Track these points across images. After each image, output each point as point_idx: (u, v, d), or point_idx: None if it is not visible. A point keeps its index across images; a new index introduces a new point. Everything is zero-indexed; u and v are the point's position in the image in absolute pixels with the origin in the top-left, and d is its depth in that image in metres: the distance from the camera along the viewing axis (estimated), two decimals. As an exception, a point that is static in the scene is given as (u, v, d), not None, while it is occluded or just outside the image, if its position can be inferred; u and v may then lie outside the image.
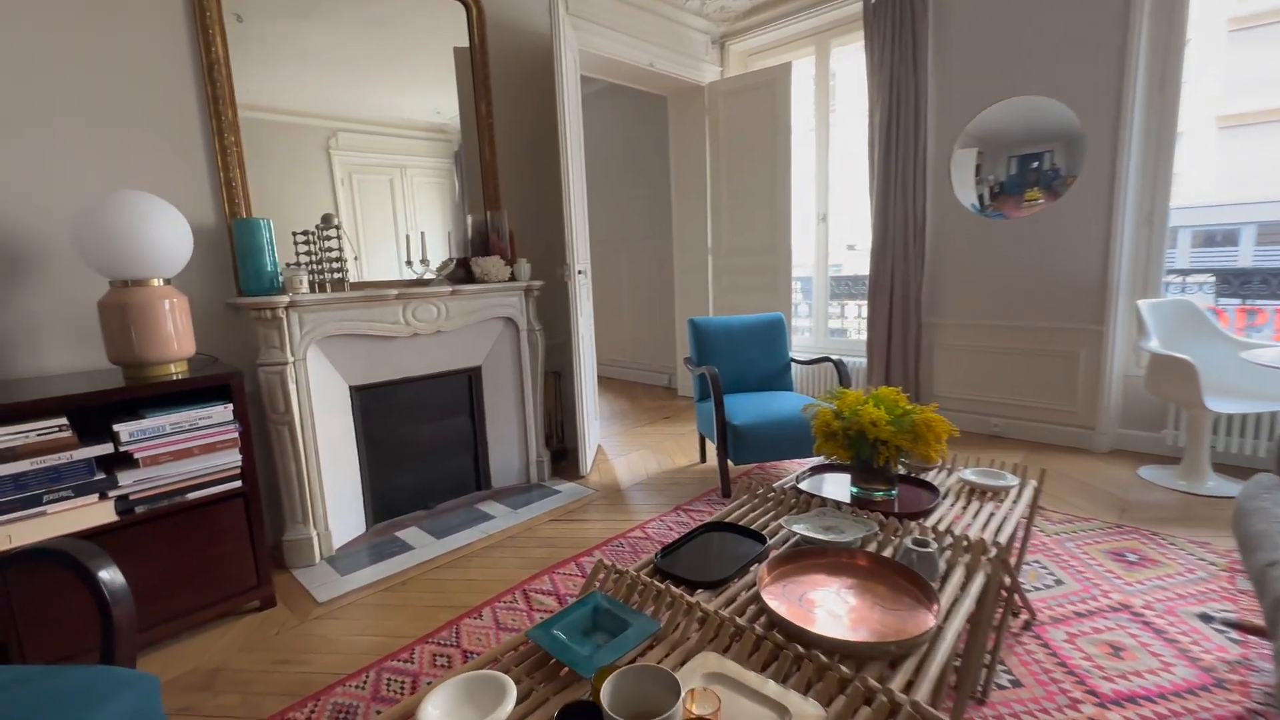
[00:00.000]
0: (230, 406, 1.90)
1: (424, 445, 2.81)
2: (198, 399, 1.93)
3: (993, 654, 1.55)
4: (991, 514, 1.61)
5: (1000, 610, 1.60)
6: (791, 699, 0.90)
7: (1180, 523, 2.37)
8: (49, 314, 1.99)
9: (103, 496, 1.69)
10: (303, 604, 2.05)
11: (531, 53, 3.26)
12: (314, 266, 2.40)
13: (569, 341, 3.34)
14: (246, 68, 2.31)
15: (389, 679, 1.65)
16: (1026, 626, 1.76)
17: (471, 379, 2.94)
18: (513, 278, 2.95)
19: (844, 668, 0.97)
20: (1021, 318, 3.41)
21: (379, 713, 1.48)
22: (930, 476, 1.88)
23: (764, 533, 1.52)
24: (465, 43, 2.97)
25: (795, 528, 1.45)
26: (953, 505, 1.67)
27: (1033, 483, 1.79)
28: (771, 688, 0.93)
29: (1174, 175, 2.99)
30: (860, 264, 4.45)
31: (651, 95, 4.88)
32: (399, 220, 2.80)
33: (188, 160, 2.21)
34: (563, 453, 3.45)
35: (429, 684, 1.60)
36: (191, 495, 1.84)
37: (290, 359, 2.22)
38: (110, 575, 1.19)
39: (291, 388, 2.22)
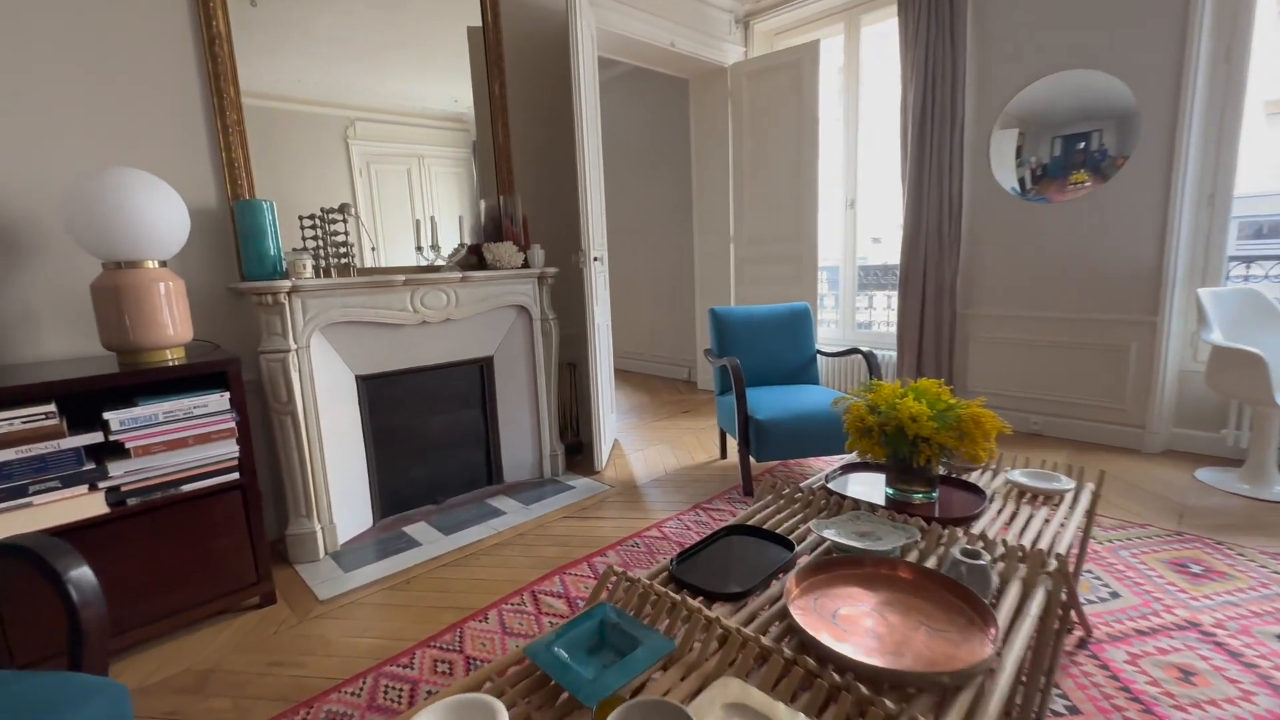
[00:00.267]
0: (227, 395, 1.81)
1: (434, 438, 2.71)
2: (194, 387, 1.85)
3: (1047, 676, 1.39)
4: (1046, 521, 1.45)
5: (1055, 626, 1.45)
6: (828, 741, 0.77)
7: (1247, 531, 2.17)
8: (47, 297, 1.92)
9: (92, 488, 1.62)
10: (303, 601, 1.97)
11: (547, 31, 3.14)
12: (320, 252, 2.31)
13: (584, 331, 3.22)
14: (260, 54, 2.25)
15: (386, 686, 1.55)
16: (1081, 644, 1.59)
17: (483, 369, 2.84)
18: (526, 264, 2.84)
19: (889, 702, 0.83)
20: (1065, 308, 3.19)
21: (373, 724, 1.38)
22: (973, 477, 1.72)
23: (791, 538, 1.38)
24: (479, 22, 2.85)
25: (826, 533, 1.31)
26: (1000, 510, 1.51)
27: (1090, 486, 1.62)
28: (803, 725, 0.80)
29: (1239, 154, 2.75)
30: (888, 253, 4.25)
31: (672, 79, 4.73)
32: (416, 210, 2.73)
33: (188, 139, 2.13)
34: (578, 447, 3.33)
35: (427, 694, 1.51)
36: (186, 487, 1.76)
37: (293, 346, 2.14)
38: (79, 575, 1.10)
39: (294, 376, 2.14)
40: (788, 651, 0.94)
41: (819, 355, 3.18)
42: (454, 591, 1.99)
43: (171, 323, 1.80)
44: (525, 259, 2.84)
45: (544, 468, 3.00)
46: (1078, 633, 1.64)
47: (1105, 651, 1.55)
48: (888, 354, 3.86)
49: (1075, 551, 1.82)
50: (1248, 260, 3.12)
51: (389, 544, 2.35)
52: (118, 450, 1.66)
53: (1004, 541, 1.26)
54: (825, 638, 0.98)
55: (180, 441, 1.74)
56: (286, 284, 2.08)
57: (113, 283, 1.71)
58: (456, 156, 2.85)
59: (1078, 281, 3.14)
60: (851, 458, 1.85)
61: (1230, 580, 1.85)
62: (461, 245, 2.76)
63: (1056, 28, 3.06)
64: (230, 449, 1.83)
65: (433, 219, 2.72)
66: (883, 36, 3.86)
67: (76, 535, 1.61)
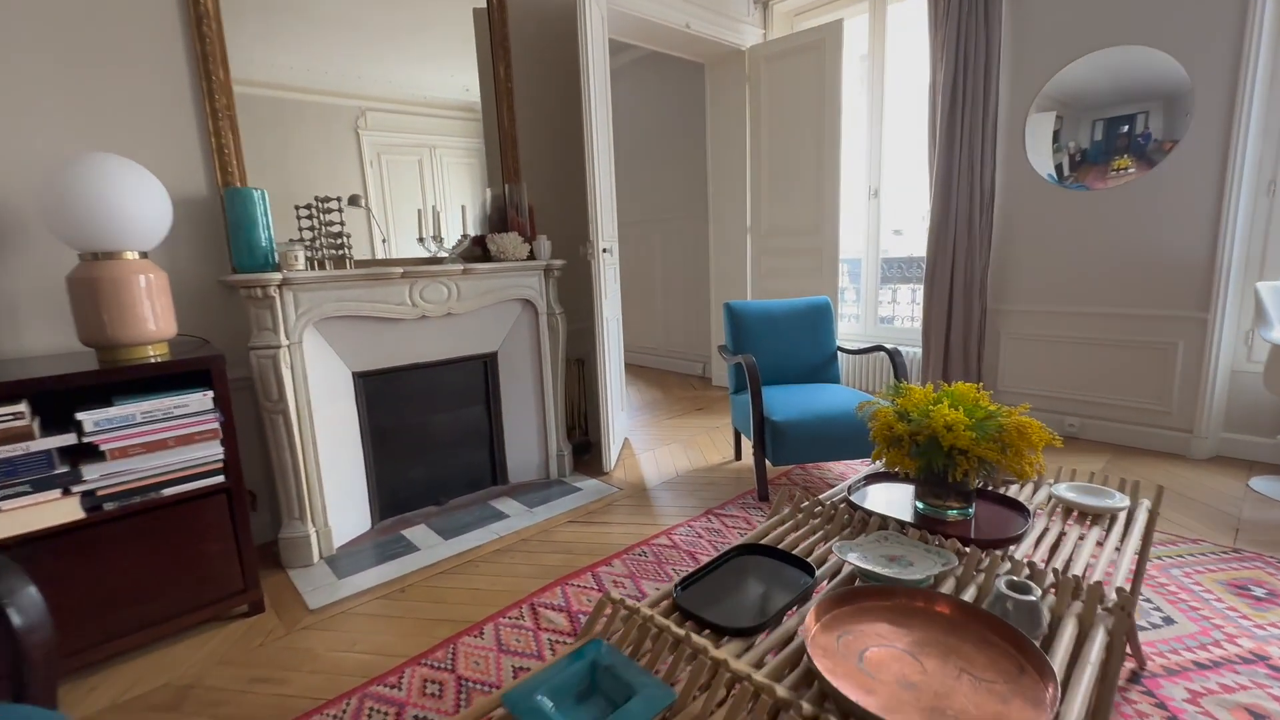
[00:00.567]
0: (210, 394, 1.71)
1: (435, 437, 2.61)
2: (178, 385, 1.75)
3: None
4: (1098, 544, 1.29)
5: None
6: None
7: (1313, 549, 1.98)
8: (28, 290, 1.84)
9: (66, 492, 1.53)
10: (293, 610, 1.87)
11: (555, 12, 3.00)
12: (315, 243, 2.21)
13: (592, 326, 3.09)
14: (262, 40, 2.17)
15: (371, 709, 1.44)
16: (1134, 678, 1.43)
17: (487, 366, 2.72)
18: (531, 256, 2.71)
19: (929, 780, 0.69)
20: (1106, 303, 2.99)
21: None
22: (1012, 490, 1.56)
23: (810, 560, 1.24)
24: (484, 3, 2.72)
25: (850, 557, 1.16)
26: (1044, 530, 1.36)
27: (1145, 503, 1.46)
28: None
29: (1303, 135, 2.53)
30: (913, 245, 4.06)
31: (688, 64, 4.56)
32: (428, 201, 2.64)
33: (176, 124, 2.03)
34: (586, 446, 3.22)
35: (413, 719, 1.40)
36: (168, 491, 1.67)
37: (284, 342, 2.04)
38: (23, 596, 1.00)
39: (286, 373, 2.04)
40: (807, 707, 0.81)
41: (840, 352, 3.01)
42: (450, 602, 1.88)
43: (153, 317, 1.71)
44: (531, 250, 2.72)
45: (550, 468, 2.88)
46: (1129, 664, 1.48)
47: (1162, 688, 1.39)
48: (912, 350, 3.68)
49: (1129, 578, 1.66)
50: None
51: (386, 548, 2.26)
52: (94, 453, 1.57)
53: (1055, 571, 1.11)
54: (851, 688, 0.84)
55: (160, 443, 1.64)
56: (277, 276, 1.98)
57: (89, 275, 1.62)
58: (469, 147, 2.76)
59: (1119, 275, 2.94)
60: (877, 467, 1.71)
61: (1299, 606, 1.67)
62: (464, 236, 2.64)
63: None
64: (214, 451, 1.74)
65: (434, 209, 2.61)
66: (910, 14, 3.66)
67: (51, 542, 1.53)
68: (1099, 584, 1.04)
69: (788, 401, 2.54)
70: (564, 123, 3.09)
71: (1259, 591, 1.74)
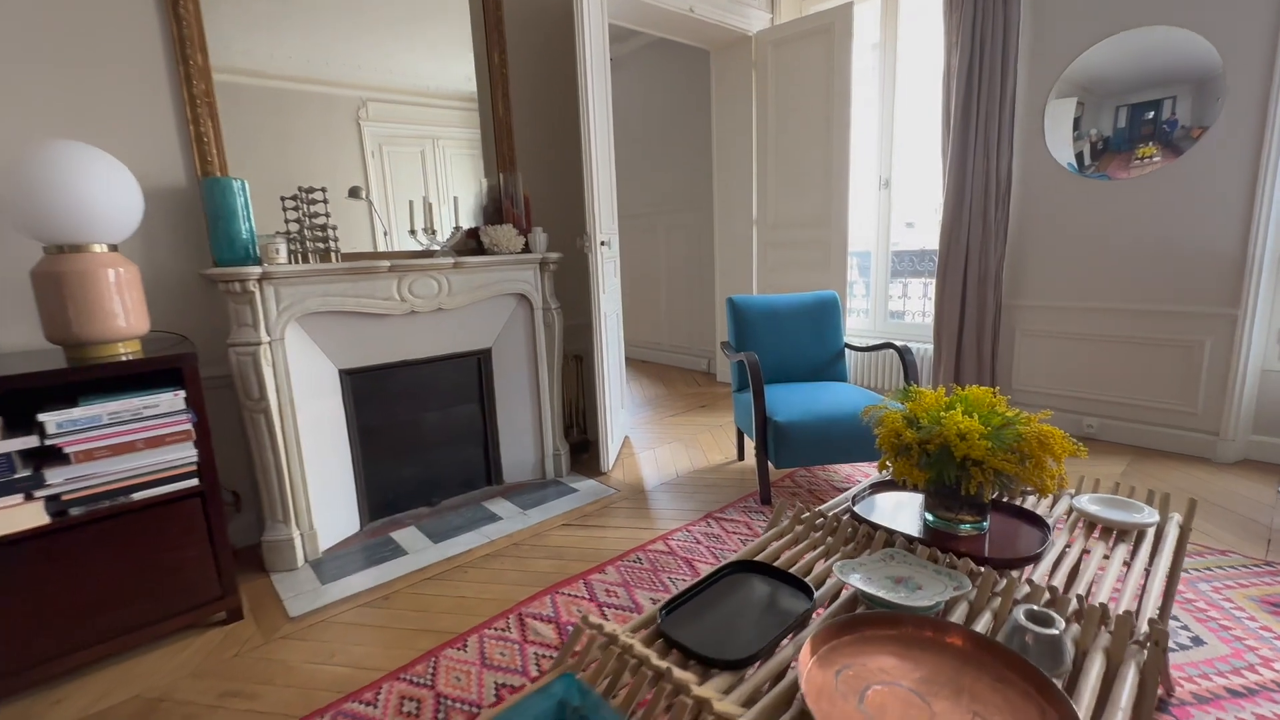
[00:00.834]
0: (181, 394, 1.64)
1: (427, 436, 2.53)
2: (149, 384, 1.68)
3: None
4: (1125, 565, 1.19)
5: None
6: None
7: (1352, 562, 1.85)
8: (1, 283, 1.77)
9: (29, 497, 1.46)
10: (272, 618, 1.80)
11: (553, -5, 2.89)
12: (299, 235, 2.12)
13: (591, 321, 3.00)
14: (258, 28, 2.11)
15: (344, 728, 1.36)
16: (1162, 706, 1.33)
17: (480, 362, 2.64)
18: (526, 249, 2.62)
19: None
20: (1128, 299, 2.85)
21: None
22: (1029, 501, 1.45)
23: (809, 580, 1.15)
24: (478, -15, 2.62)
25: (852, 579, 1.07)
26: (1065, 547, 1.25)
27: (1175, 518, 1.35)
28: None
29: (1344, 120, 2.38)
30: (925, 237, 3.92)
31: (693, 51, 4.43)
32: (431, 193, 2.57)
33: (152, 111, 1.95)
34: (585, 445, 3.13)
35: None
36: (138, 495, 1.60)
37: (265, 339, 1.96)
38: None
39: (267, 371, 1.96)
40: (798, 761, 0.72)
41: (848, 349, 2.90)
42: (435, 611, 1.80)
43: (123, 313, 1.63)
44: (526, 243, 2.62)
45: (546, 468, 2.80)
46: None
47: (1193, 717, 1.29)
48: (923, 347, 3.55)
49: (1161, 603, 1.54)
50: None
51: (374, 551, 2.18)
52: (58, 456, 1.50)
53: (1079, 598, 1.01)
54: (849, 740, 0.75)
55: (128, 446, 1.57)
56: (256, 270, 1.90)
57: (54, 269, 1.54)
58: (472, 138, 2.68)
59: (1143, 269, 2.80)
60: (885, 475, 1.60)
61: (1339, 626, 1.55)
62: (457, 228, 2.55)
63: (1127, -21, 2.69)
64: (187, 453, 1.66)
65: (425, 200, 2.52)
66: (924, -3, 3.51)
67: (14, 548, 1.46)
68: (1128, 614, 0.93)
69: (791, 401, 2.43)
70: (563, 111, 2.98)
71: (1295, 609, 1.63)
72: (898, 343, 2.67)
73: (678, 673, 0.86)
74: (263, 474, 2.03)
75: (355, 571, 2.05)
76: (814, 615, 1.06)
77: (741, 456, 2.96)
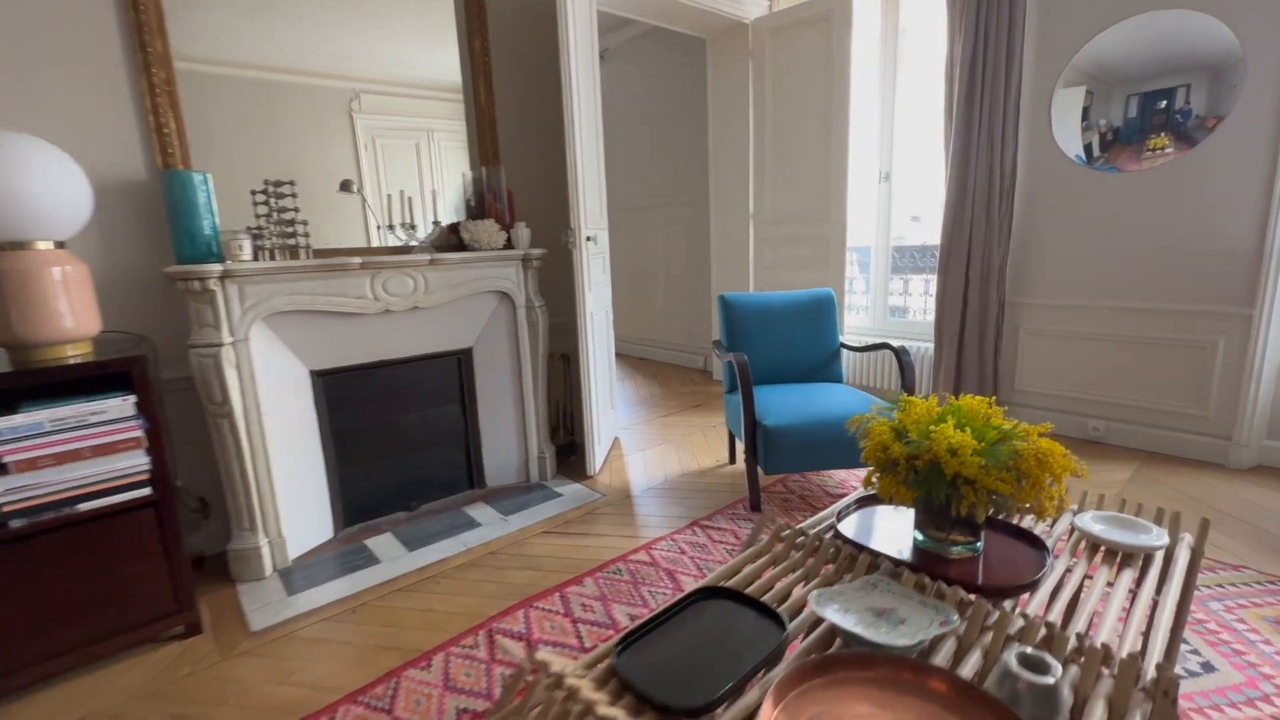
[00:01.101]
0: (132, 399, 1.55)
1: (405, 439, 2.44)
2: (97, 389, 1.59)
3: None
4: (1131, 592, 1.09)
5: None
6: None
7: (1374, 579, 1.75)
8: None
9: (-36, 509, 1.38)
10: (232, 632, 1.73)
11: (538, -20, 2.78)
12: (267, 230, 2.03)
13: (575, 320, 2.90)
14: (245, 16, 2.04)
15: (293, 757, 1.28)
16: (1168, 742, 1.23)
17: (461, 362, 2.55)
18: (509, 245, 2.52)
19: None
20: (1137, 297, 2.73)
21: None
22: (1027, 520, 1.35)
23: (786, 607, 1.05)
24: (460, -30, 2.51)
25: (828, 612, 0.97)
26: (1066, 571, 1.15)
27: (1187, 539, 1.24)
28: None
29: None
30: (926, 232, 3.80)
31: (688, 41, 4.30)
32: (426, 187, 2.50)
33: (107, 101, 1.86)
34: (572, 447, 3.04)
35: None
36: (84, 506, 1.52)
37: (228, 339, 1.87)
38: None
39: (230, 373, 1.88)
40: (750, 841, 0.62)
41: (844, 349, 2.79)
42: (402, 626, 1.72)
43: (70, 313, 1.55)
44: (508, 239, 2.52)
45: (530, 471, 2.71)
46: (1162, 723, 1.27)
47: (1202, 756, 1.19)
48: (924, 345, 3.44)
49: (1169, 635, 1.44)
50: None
51: (346, 559, 2.10)
52: (-3, 465, 1.42)
53: (1079, 636, 0.91)
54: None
55: (73, 454, 1.49)
56: (217, 268, 1.81)
57: (-7, 267, 1.46)
58: (466, 131, 2.60)
59: (1153, 265, 2.68)
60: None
61: (1362, 652, 1.45)
62: (436, 223, 2.46)
63: (1139, -40, 2.56)
64: (138, 461, 1.58)
65: (404, 194, 2.42)
66: (927, -18, 3.38)
67: (-51, 563, 1.38)
68: (1133, 657, 0.83)
69: (783, 404, 2.33)
70: (550, 102, 2.88)
71: (1314, 632, 1.52)
72: (894, 343, 2.57)
73: (626, 724, 0.77)
74: (227, 480, 1.95)
75: (325, 581, 1.97)
76: (790, 648, 0.97)
77: (733, 460, 2.86)
